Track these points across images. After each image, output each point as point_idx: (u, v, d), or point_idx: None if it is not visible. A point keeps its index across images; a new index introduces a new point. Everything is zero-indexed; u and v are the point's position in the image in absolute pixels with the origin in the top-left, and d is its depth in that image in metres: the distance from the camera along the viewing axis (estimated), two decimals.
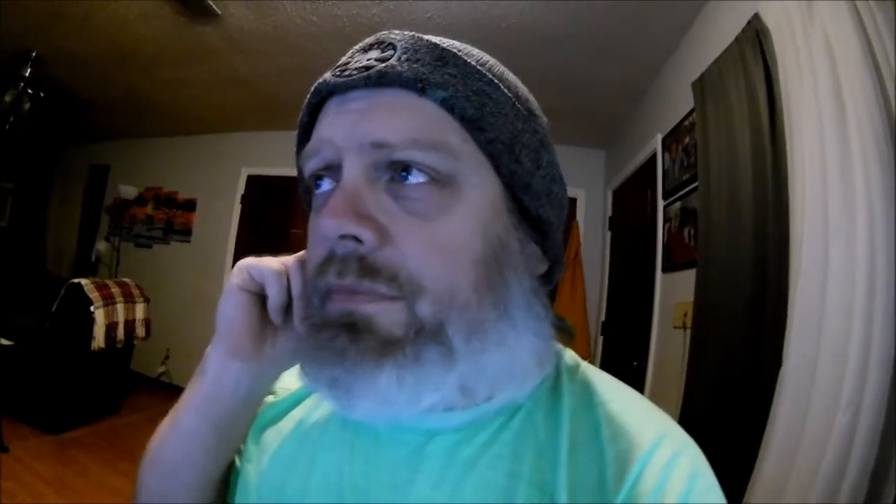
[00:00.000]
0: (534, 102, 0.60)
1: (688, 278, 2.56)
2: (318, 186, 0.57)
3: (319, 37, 3.75)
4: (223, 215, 6.26)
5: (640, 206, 3.74)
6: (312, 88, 0.58)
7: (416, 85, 0.51)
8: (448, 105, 0.51)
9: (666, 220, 3.17)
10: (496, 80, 0.55)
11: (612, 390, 0.59)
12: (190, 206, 6.55)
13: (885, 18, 1.42)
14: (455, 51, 0.55)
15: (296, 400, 0.70)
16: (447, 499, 0.52)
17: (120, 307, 4.79)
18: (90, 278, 4.79)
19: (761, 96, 1.90)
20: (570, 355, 0.64)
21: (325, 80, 0.56)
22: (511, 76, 0.59)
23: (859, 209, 1.44)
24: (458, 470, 0.54)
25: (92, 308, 4.50)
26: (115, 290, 4.84)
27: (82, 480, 3.59)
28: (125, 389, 5.32)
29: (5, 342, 4.37)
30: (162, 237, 6.68)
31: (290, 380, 0.71)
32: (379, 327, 0.48)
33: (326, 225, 0.48)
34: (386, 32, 0.56)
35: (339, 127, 0.52)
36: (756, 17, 2.02)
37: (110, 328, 4.63)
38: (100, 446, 4.25)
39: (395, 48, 0.53)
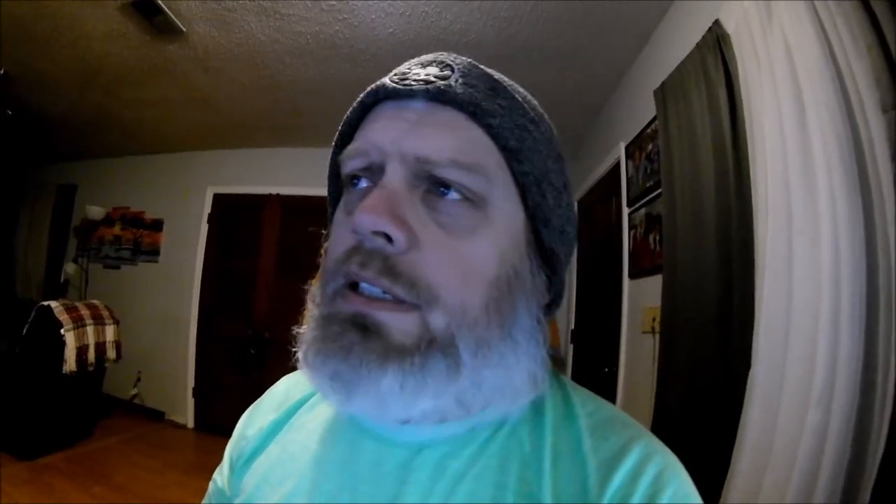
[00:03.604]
0: (561, 147, 0.64)
1: (655, 284, 2.59)
2: (354, 185, 0.59)
3: (283, 54, 3.76)
4: (190, 235, 6.22)
5: (606, 214, 3.78)
6: (369, 89, 0.60)
7: (469, 108, 0.54)
8: (494, 133, 0.55)
9: (631, 226, 3.21)
10: (537, 120, 0.60)
11: (590, 404, 0.62)
12: (157, 225, 6.50)
13: (844, 19, 1.45)
14: (506, 84, 0.59)
15: (270, 433, 0.71)
16: None
17: (90, 329, 4.74)
18: (60, 300, 4.75)
19: (722, 101, 1.93)
20: (553, 372, 0.65)
21: (383, 84, 0.58)
22: (548, 119, 0.63)
23: (822, 209, 1.45)
24: (447, 482, 0.55)
25: (62, 331, 4.45)
26: (85, 311, 4.79)
27: None
28: (98, 412, 5.24)
29: None
30: (130, 258, 6.61)
31: (261, 418, 0.74)
32: (389, 334, 0.50)
33: (363, 219, 0.50)
34: (445, 54, 0.60)
35: (389, 133, 0.54)
36: (716, 23, 2.05)
37: (81, 351, 4.58)
38: (75, 471, 4.19)
39: (453, 70, 0.57)
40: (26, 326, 4.51)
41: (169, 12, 3.27)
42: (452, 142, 0.53)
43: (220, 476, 0.75)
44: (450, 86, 0.54)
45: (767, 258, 1.62)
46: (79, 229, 6.89)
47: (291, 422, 0.70)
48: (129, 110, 5.19)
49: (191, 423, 5.89)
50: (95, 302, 5.11)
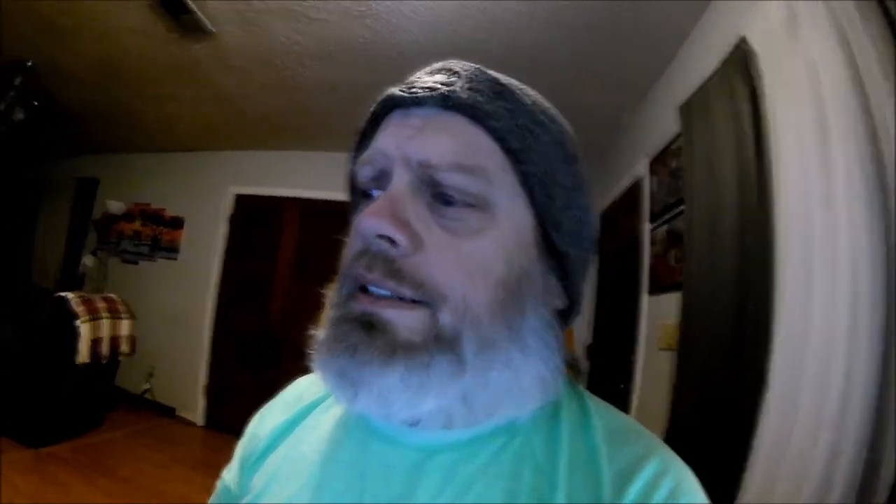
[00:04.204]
0: (577, 148, 0.64)
1: (673, 301, 2.57)
2: (370, 196, 0.61)
3: (305, 57, 3.77)
4: (210, 234, 6.26)
5: (627, 229, 3.75)
6: (379, 99, 0.62)
7: (471, 112, 0.56)
8: (497, 135, 0.56)
9: (652, 243, 3.18)
10: (546, 122, 0.60)
11: (607, 414, 0.61)
12: (177, 223, 6.55)
13: (869, 39, 1.43)
14: (513, 88, 0.60)
15: (281, 432, 0.71)
16: None
17: (105, 322, 4.76)
18: (76, 292, 4.77)
19: (746, 119, 1.91)
20: (570, 382, 0.66)
21: (391, 94, 0.60)
22: (561, 121, 0.63)
23: (842, 231, 1.44)
24: (456, 488, 0.55)
25: (77, 322, 4.47)
26: (101, 305, 4.83)
27: (61, 496, 3.55)
28: (108, 405, 5.27)
29: None
30: (148, 253, 6.66)
31: (273, 418, 0.74)
32: (395, 331, 0.51)
33: (366, 223, 0.52)
34: (454, 61, 0.62)
35: (394, 140, 0.57)
36: (742, 40, 2.04)
37: (95, 343, 4.60)
38: (80, 462, 4.21)
39: (459, 76, 0.59)
40: (41, 316, 4.55)
41: (197, 11, 3.29)
42: (453, 145, 0.54)
43: (229, 474, 0.75)
44: (454, 91, 0.56)
45: (786, 278, 1.61)
46: (98, 223, 6.95)
47: (304, 423, 0.71)
48: (153, 107, 5.24)
49: (201, 421, 5.91)
50: (113, 296, 5.15)
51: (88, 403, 4.90)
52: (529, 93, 0.62)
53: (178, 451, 5.02)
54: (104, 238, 6.86)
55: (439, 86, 0.57)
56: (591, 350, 4.64)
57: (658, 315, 3.00)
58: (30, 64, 4.44)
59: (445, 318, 0.51)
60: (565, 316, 0.67)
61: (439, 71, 0.61)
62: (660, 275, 3.02)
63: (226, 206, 6.27)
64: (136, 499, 3.76)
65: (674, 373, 2.40)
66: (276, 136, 5.69)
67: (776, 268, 1.68)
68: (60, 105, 5.31)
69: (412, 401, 0.51)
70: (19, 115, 4.75)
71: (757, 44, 1.96)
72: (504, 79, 0.61)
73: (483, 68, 0.61)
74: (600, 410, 0.62)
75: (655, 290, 3.08)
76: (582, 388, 0.66)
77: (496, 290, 0.53)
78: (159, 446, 5.01)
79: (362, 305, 0.53)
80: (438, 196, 0.55)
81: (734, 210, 1.97)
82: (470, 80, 0.58)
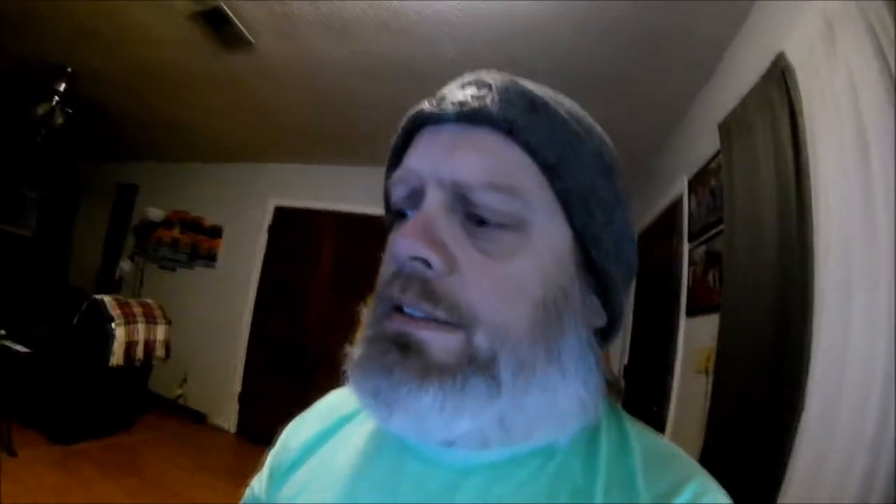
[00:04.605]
0: (617, 160, 0.61)
1: (711, 323, 2.52)
2: (404, 216, 0.59)
3: (346, 72, 3.81)
4: (249, 244, 6.36)
5: (665, 250, 3.70)
6: (408, 116, 0.61)
7: (505, 127, 0.53)
8: (532, 150, 0.53)
9: (691, 263, 3.13)
10: (582, 133, 0.57)
11: (646, 438, 0.59)
12: (216, 232, 6.66)
13: None
14: (546, 99, 0.57)
15: (313, 445, 0.70)
16: None
17: (141, 326, 4.87)
18: (113, 295, 4.91)
19: (786, 137, 1.87)
20: (609, 403, 0.64)
21: (421, 110, 0.59)
22: (599, 131, 0.61)
23: (883, 252, 1.40)
24: None
25: (112, 325, 4.59)
26: (138, 309, 4.95)
27: (84, 491, 3.64)
28: (140, 408, 5.37)
29: (23, 349, 4.43)
30: (186, 261, 6.79)
31: (305, 429, 0.73)
32: (430, 352, 0.50)
33: (400, 245, 0.51)
34: (485, 72, 0.59)
35: (426, 159, 0.55)
36: (781, 55, 2.00)
37: (130, 346, 4.71)
38: (107, 461, 4.30)
39: (490, 89, 0.56)
40: (77, 316, 4.65)
41: (238, 24, 3.34)
42: (487, 164, 0.52)
43: (258, 484, 0.74)
44: (485, 106, 0.54)
45: (825, 302, 1.57)
46: (138, 229, 7.10)
47: (337, 436, 0.70)
48: (194, 117, 5.33)
49: (233, 429, 5.97)
50: (149, 301, 5.27)
51: (120, 405, 5.00)
52: (565, 103, 0.60)
53: (206, 457, 5.09)
54: (143, 244, 7.01)
55: (470, 100, 0.55)
56: (627, 371, 4.58)
57: (695, 337, 2.96)
58: (70, 70, 4.55)
59: (481, 340, 0.50)
60: (606, 335, 0.65)
61: (470, 84, 0.58)
62: (698, 296, 2.97)
63: (265, 218, 6.36)
64: (159, 500, 3.82)
65: (709, 396, 2.35)
66: (315, 150, 5.76)
67: (816, 289, 1.64)
68: (101, 111, 5.43)
69: (447, 422, 0.50)
70: (59, 120, 4.86)
71: (794, 59, 1.92)
72: (538, 90, 0.58)
73: (516, 79, 0.58)
74: (639, 433, 0.60)
75: (693, 311, 3.03)
76: (621, 409, 0.64)
77: (533, 312, 0.52)
78: (187, 451, 5.08)
79: (397, 325, 0.52)
80: (472, 216, 0.53)
81: (773, 229, 1.93)
82: (502, 92, 0.55)
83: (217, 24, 3.40)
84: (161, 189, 7.15)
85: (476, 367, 0.49)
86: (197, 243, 6.76)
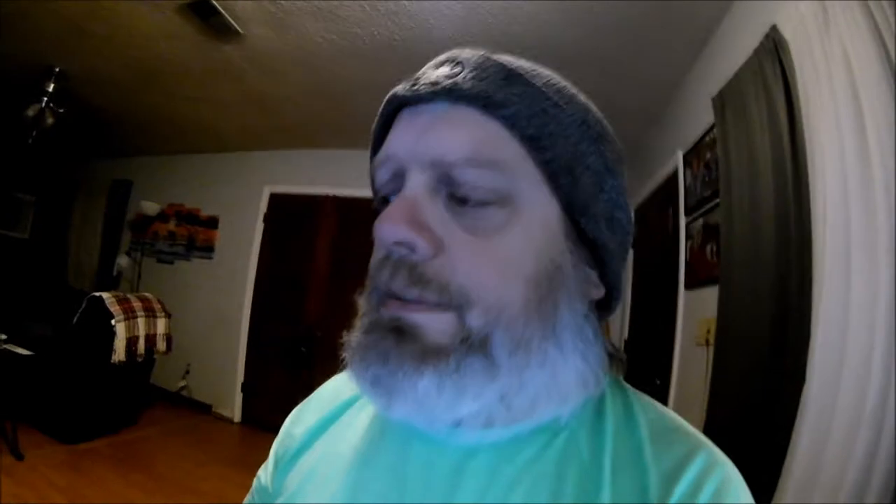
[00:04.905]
0: (606, 128, 0.60)
1: (711, 295, 2.53)
2: (390, 201, 0.58)
3: (339, 56, 3.78)
4: (245, 233, 6.34)
5: (663, 224, 3.71)
6: (385, 100, 0.60)
7: (480, 102, 0.52)
8: (510, 123, 0.52)
9: (688, 236, 3.14)
10: (562, 103, 0.56)
11: (652, 411, 0.59)
12: (212, 223, 6.64)
13: None
14: (522, 72, 0.56)
15: (317, 431, 0.70)
16: None
17: (141, 321, 4.86)
18: (112, 292, 4.88)
19: (781, 109, 1.87)
20: (613, 377, 0.64)
21: (395, 93, 0.58)
22: (582, 99, 0.59)
23: (881, 221, 1.41)
24: (500, 489, 0.53)
25: (113, 321, 4.58)
26: (137, 304, 4.93)
27: (96, 490, 3.64)
28: (144, 403, 5.39)
29: (24, 352, 4.44)
30: (184, 253, 6.78)
31: (309, 416, 0.73)
32: (425, 335, 0.50)
33: (382, 230, 0.51)
34: (458, 50, 0.59)
35: (404, 140, 0.55)
36: (774, 28, 2.00)
37: (131, 342, 4.70)
38: (116, 458, 4.31)
39: (463, 66, 0.55)
40: (77, 315, 4.64)
41: (225, 14, 3.32)
42: (464, 139, 0.52)
43: (265, 473, 0.74)
44: (459, 82, 0.53)
45: (825, 272, 1.58)
46: (133, 224, 7.09)
47: (340, 420, 0.69)
48: (186, 109, 5.31)
49: (237, 418, 5.99)
50: (148, 295, 5.25)
51: (124, 401, 5.01)
52: (543, 74, 0.58)
53: (214, 448, 5.09)
54: (139, 239, 7.00)
55: (443, 79, 0.54)
56: (628, 345, 4.60)
57: (695, 310, 2.97)
58: (59, 69, 4.53)
59: (473, 320, 0.49)
60: (604, 306, 0.64)
61: (445, 62, 0.58)
62: (697, 269, 2.98)
63: (261, 206, 6.34)
64: (171, 494, 3.82)
65: (711, 368, 2.36)
66: (310, 135, 5.73)
67: (815, 260, 1.65)
68: (94, 109, 5.42)
69: (449, 405, 0.50)
70: (49, 121, 4.85)
71: (789, 33, 1.92)
72: (514, 62, 0.57)
73: (490, 54, 0.57)
74: (644, 406, 0.60)
75: (693, 284, 3.04)
76: (625, 383, 0.65)
77: (525, 288, 0.51)
78: (195, 443, 5.09)
79: (391, 311, 0.52)
80: (456, 195, 0.52)
81: (770, 202, 1.93)
82: (476, 68, 0.55)
83: (205, 15, 3.37)
84: (155, 183, 7.12)
85: (471, 347, 0.49)
86: (193, 235, 6.74)
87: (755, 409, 1.88)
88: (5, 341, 4.46)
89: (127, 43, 3.93)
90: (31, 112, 4.74)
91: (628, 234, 0.62)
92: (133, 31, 3.73)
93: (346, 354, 0.55)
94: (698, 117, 2.96)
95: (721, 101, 2.47)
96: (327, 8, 3.18)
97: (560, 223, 0.55)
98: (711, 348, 2.43)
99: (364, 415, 0.67)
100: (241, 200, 6.45)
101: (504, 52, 0.59)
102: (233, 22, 3.42)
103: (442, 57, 0.59)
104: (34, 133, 4.91)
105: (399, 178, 0.55)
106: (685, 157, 3.26)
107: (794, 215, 1.78)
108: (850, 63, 1.53)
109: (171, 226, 6.91)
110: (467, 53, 0.57)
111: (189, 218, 6.82)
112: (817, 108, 1.67)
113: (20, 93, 4.74)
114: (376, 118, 0.63)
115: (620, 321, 4.80)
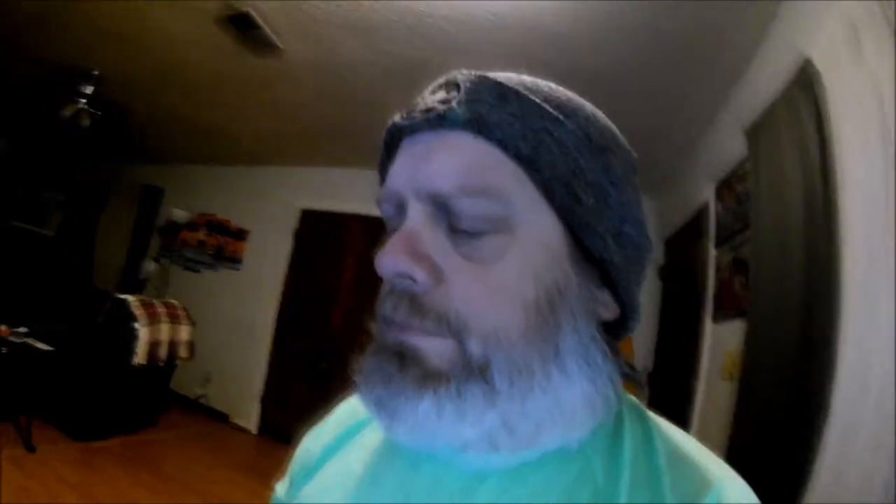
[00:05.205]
0: (613, 138, 0.58)
1: (738, 329, 2.50)
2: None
3: (374, 75, 3.81)
4: (275, 246, 6.41)
5: (692, 255, 3.68)
6: (385, 130, 0.60)
7: (472, 126, 0.52)
8: (503, 145, 0.51)
9: (717, 269, 3.11)
10: (562, 117, 0.54)
11: (672, 437, 0.58)
12: (241, 235, 6.72)
13: None
14: (519, 88, 0.54)
15: (332, 448, 0.71)
16: None
17: (165, 327, 4.94)
18: (137, 296, 4.96)
19: (813, 143, 1.85)
20: (631, 400, 0.62)
21: (393, 123, 0.59)
22: (587, 110, 0.58)
23: None
24: None
25: (136, 325, 4.64)
26: (162, 310, 5.00)
27: (105, 488, 3.70)
28: (162, 407, 5.44)
29: (44, 347, 4.50)
30: (211, 262, 6.85)
31: (326, 433, 0.74)
32: (425, 359, 0.50)
33: (381, 263, 0.51)
34: (455, 72, 0.57)
35: (403, 173, 0.55)
36: (807, 61, 1.98)
37: (153, 346, 4.77)
38: (127, 458, 4.37)
39: (458, 89, 0.54)
40: (101, 316, 4.73)
41: (265, 28, 3.36)
42: (456, 168, 0.51)
43: (282, 487, 0.75)
44: (452, 108, 0.52)
45: (851, 308, 1.56)
46: (163, 230, 7.19)
47: (355, 439, 0.70)
48: (220, 119, 5.37)
49: (254, 429, 6.01)
50: (174, 301, 5.32)
51: (142, 403, 5.07)
52: (542, 88, 0.56)
53: (227, 455, 5.13)
54: (168, 245, 7.10)
55: (437, 104, 0.54)
56: (652, 378, 4.55)
57: (721, 343, 2.93)
58: (97, 73, 4.61)
59: (472, 348, 0.49)
60: (620, 325, 0.62)
61: (440, 87, 0.57)
62: (725, 302, 2.94)
63: (291, 221, 6.39)
64: (179, 496, 3.86)
65: (735, 403, 2.33)
66: (341, 153, 5.75)
67: (842, 295, 1.63)
68: (127, 114, 5.50)
69: (449, 429, 0.49)
70: (85, 122, 4.93)
71: (820, 63, 1.91)
72: (512, 79, 0.56)
73: (487, 74, 0.56)
74: (664, 431, 0.58)
75: (720, 317, 3.01)
76: (643, 406, 0.63)
77: (526, 314, 0.51)
78: (209, 449, 5.13)
79: (394, 334, 0.52)
80: (453, 224, 0.52)
81: (800, 236, 1.91)
82: (470, 91, 0.53)
83: (244, 28, 3.42)
84: (187, 191, 7.23)
85: (470, 373, 0.49)
86: (222, 245, 6.83)
87: (777, 444, 1.86)
88: (26, 335, 4.54)
89: (164, 50, 4.00)
90: (67, 112, 4.83)
91: (641, 249, 0.60)
92: (171, 39, 3.79)
93: (354, 376, 0.56)
94: (731, 148, 2.93)
95: (754, 134, 2.46)
96: (365, 27, 3.21)
97: (562, 243, 0.54)
98: (736, 383, 2.40)
99: (377, 434, 0.67)
100: (272, 214, 6.51)
101: (536, 76, 0.58)
102: (272, 37, 3.46)
103: (439, 80, 0.58)
104: (69, 133, 5.01)
105: (402, 209, 0.55)
106: (717, 188, 3.23)
107: (822, 252, 1.76)
108: (881, 96, 1.51)
109: (201, 235, 6.99)
110: (463, 75, 0.56)
111: (219, 228, 6.91)
112: (848, 142, 1.66)
113: (57, 94, 4.84)
114: (380, 148, 0.63)
115: (646, 352, 4.75)
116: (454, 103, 0.53)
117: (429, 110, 0.54)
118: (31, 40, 4.21)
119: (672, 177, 4.45)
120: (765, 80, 2.50)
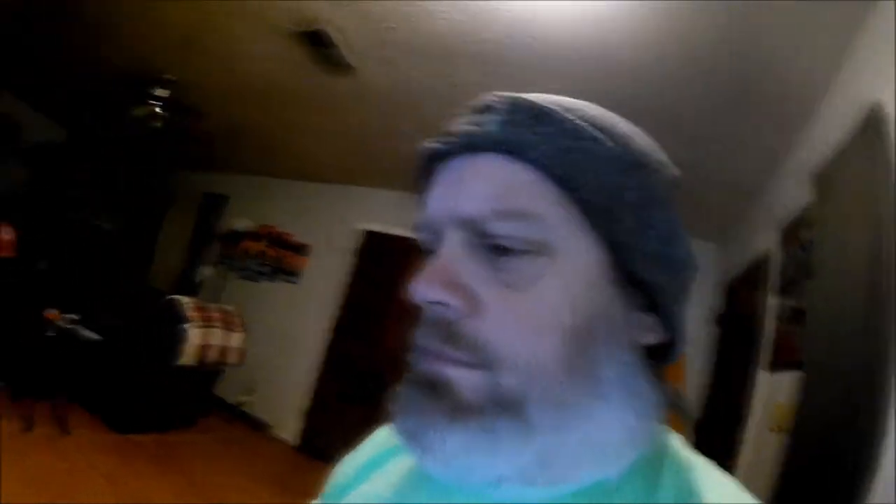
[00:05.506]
0: (650, 155, 0.56)
1: (791, 380, 2.43)
2: None
3: (444, 103, 3.82)
4: (333, 264, 6.48)
5: (751, 303, 3.60)
6: (418, 156, 0.60)
7: (505, 147, 0.51)
8: (539, 165, 0.50)
9: (775, 318, 3.03)
10: (600, 136, 0.51)
11: (718, 486, 0.53)
12: (301, 249, 6.81)
13: None
14: (553, 108, 0.52)
15: (366, 470, 0.71)
16: None
17: (218, 332, 5.01)
18: (192, 298, 5.07)
19: (881, 192, 1.80)
20: (675, 438, 0.59)
21: (427, 148, 0.58)
22: (625, 129, 0.55)
23: None
24: None
25: (186, 326, 4.73)
26: (216, 314, 5.10)
27: (132, 481, 3.80)
28: (203, 409, 5.52)
29: (93, 336, 4.63)
30: (269, 274, 6.95)
31: (363, 455, 0.74)
32: (457, 391, 0.48)
33: (416, 291, 0.50)
34: (492, 95, 0.56)
35: (437, 201, 0.55)
36: (876, 106, 1.93)
37: (204, 349, 4.85)
38: (159, 455, 4.46)
39: (492, 111, 0.53)
40: (154, 313, 4.85)
41: (339, 46, 3.41)
42: (491, 192, 0.50)
43: None
44: (485, 130, 0.52)
45: None
46: (224, 238, 7.32)
47: (388, 464, 0.68)
48: (287, 133, 5.46)
49: (295, 443, 6.04)
50: (230, 308, 5.42)
51: (183, 403, 5.15)
52: (577, 108, 0.54)
53: (259, 465, 5.17)
54: (227, 253, 7.23)
55: (470, 127, 0.53)
56: (699, 426, 4.44)
57: (773, 393, 2.85)
58: (171, 79, 4.75)
59: (506, 380, 0.47)
60: (665, 350, 0.59)
61: (473, 110, 0.56)
62: (782, 352, 2.87)
63: (352, 240, 6.45)
64: (199, 500, 3.90)
65: (781, 455, 2.26)
66: (407, 178, 5.75)
67: None
68: (198, 121, 5.61)
69: (480, 465, 0.47)
70: (157, 124, 5.08)
71: (890, 109, 1.86)
72: (547, 99, 0.54)
73: (524, 95, 0.54)
74: (709, 480, 0.53)
75: (775, 367, 2.93)
76: (685, 444, 0.59)
77: (563, 343, 0.48)
78: (243, 457, 5.19)
79: (427, 364, 0.51)
80: (494, 246, 0.50)
81: (862, 288, 1.85)
82: (505, 112, 0.52)
83: (318, 45, 3.47)
84: (250, 201, 7.37)
85: (504, 408, 0.47)
86: (282, 258, 6.93)
87: (824, 498, 1.80)
88: (77, 321, 4.67)
89: (238, 61, 4.09)
90: (140, 112, 4.98)
91: (685, 270, 0.57)
92: (245, 50, 3.88)
93: (391, 405, 0.55)
94: (796, 194, 2.87)
95: (820, 181, 2.40)
96: (439, 54, 3.25)
97: (603, 266, 0.51)
98: (784, 435, 2.33)
99: (411, 461, 0.65)
100: (334, 232, 6.59)
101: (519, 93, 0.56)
102: (346, 56, 3.52)
103: (475, 102, 0.57)
104: (140, 132, 5.19)
105: (439, 236, 0.54)
106: (782, 235, 3.16)
107: (885, 305, 1.70)
108: None
109: (262, 245, 7.11)
110: (497, 97, 0.55)
111: (280, 241, 7.01)
112: None
113: (133, 99, 4.98)
114: (416, 172, 0.62)
115: (695, 400, 4.64)
116: (488, 125, 0.52)
117: (462, 134, 0.53)
118: (109, 48, 4.38)
119: (735, 223, 4.38)
120: (833, 125, 2.45)
